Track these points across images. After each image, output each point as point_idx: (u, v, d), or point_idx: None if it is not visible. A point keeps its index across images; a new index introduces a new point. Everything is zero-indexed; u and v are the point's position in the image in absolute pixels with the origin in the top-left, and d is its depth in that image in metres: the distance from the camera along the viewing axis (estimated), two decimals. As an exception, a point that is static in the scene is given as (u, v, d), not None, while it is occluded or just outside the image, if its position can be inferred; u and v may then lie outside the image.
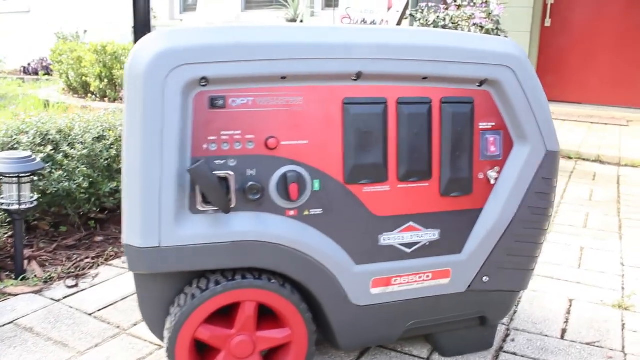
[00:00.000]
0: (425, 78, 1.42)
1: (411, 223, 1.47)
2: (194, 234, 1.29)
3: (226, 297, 1.35)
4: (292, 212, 1.36)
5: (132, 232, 1.27)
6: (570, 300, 2.16)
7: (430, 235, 1.49)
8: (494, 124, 1.51)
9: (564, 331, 1.94)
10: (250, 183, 1.30)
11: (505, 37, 4.35)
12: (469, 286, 1.57)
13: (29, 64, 8.47)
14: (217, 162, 1.30)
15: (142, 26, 1.84)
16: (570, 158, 4.47)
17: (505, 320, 2.00)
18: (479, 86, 1.48)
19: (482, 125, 1.50)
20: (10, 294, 2.04)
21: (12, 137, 2.39)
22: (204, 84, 1.27)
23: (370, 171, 1.40)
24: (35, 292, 2.07)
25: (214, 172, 1.29)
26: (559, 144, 1.60)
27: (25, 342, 1.75)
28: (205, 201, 1.28)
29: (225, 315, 1.41)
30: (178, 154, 1.25)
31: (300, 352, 1.44)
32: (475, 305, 1.61)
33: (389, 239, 1.45)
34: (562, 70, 6.33)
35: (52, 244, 2.46)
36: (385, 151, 1.41)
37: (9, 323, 1.85)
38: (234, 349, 1.39)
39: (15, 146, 2.35)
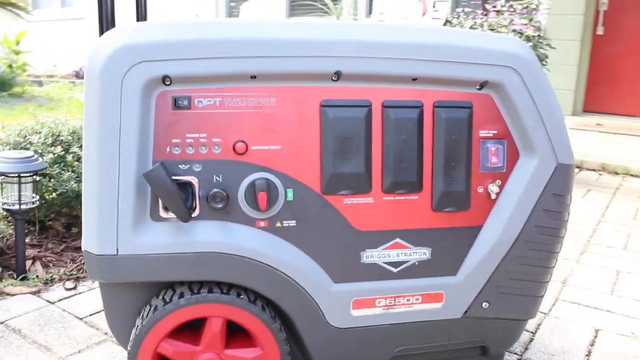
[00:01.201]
0: (415, 79, 1.28)
1: (398, 240, 1.33)
2: (154, 243, 1.20)
3: (190, 311, 1.26)
4: (262, 223, 1.26)
5: (89, 238, 1.20)
6: (597, 331, 1.94)
7: (420, 254, 1.35)
8: (496, 132, 1.35)
9: (584, 366, 1.73)
10: (214, 190, 1.20)
11: (549, 45, 4.10)
12: (466, 312, 1.41)
13: (80, 68, 8.81)
14: (181, 166, 1.21)
15: (107, 22, 1.80)
16: (617, 174, 4.13)
17: (518, 349, 1.81)
18: (479, 89, 1.33)
19: (483, 133, 1.35)
20: (8, 294, 2.03)
21: (25, 137, 2.41)
22: (167, 82, 1.19)
23: (351, 181, 1.27)
24: (33, 293, 2.05)
25: (178, 177, 1.20)
26: (574, 156, 1.41)
27: (10, 344, 1.72)
28: (167, 208, 1.20)
29: (197, 331, 1.32)
30: (137, 157, 1.17)
31: (272, 375, 1.33)
32: (474, 334, 1.45)
33: (372, 256, 1.32)
34: (614, 81, 5.92)
35: (60, 244, 2.46)
36: (368, 159, 1.28)
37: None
38: (199, 368, 1.30)
39: (27, 146, 2.37)
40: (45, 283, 2.13)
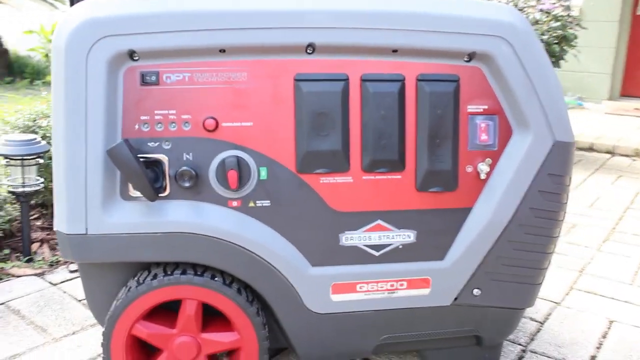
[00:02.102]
0: (395, 51, 1.21)
1: (379, 221, 1.26)
2: (124, 222, 1.18)
3: (163, 293, 1.23)
4: (235, 203, 1.21)
5: (59, 217, 1.18)
6: (611, 322, 1.82)
7: (404, 236, 1.28)
8: (486, 107, 1.26)
9: (593, 358, 1.62)
10: (182, 168, 1.17)
11: (579, 25, 3.89)
12: (456, 299, 1.33)
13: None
14: (150, 144, 1.18)
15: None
16: (652, 159, 3.91)
17: (523, 339, 1.72)
18: (467, 61, 1.24)
19: (472, 108, 1.26)
20: (13, 275, 2.07)
21: (34, 120, 2.44)
22: (136, 58, 1.15)
23: (327, 159, 1.21)
24: (38, 275, 2.08)
25: (147, 155, 1.17)
26: (573, 134, 1.31)
27: (8, 325, 1.75)
28: (137, 187, 1.17)
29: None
30: (104, 135, 1.15)
31: (250, 359, 1.29)
32: (466, 322, 1.37)
33: (352, 238, 1.26)
34: (656, 62, 5.61)
35: (70, 228, 2.49)
36: (345, 136, 1.21)
37: (0, 304, 1.87)
38: (176, 350, 1.27)
39: (36, 130, 2.40)
40: (51, 265, 2.16)
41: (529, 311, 1.90)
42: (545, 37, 4.17)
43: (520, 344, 1.70)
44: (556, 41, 4.27)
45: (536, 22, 4.26)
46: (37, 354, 1.59)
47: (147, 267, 1.29)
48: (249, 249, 1.21)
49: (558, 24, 4.23)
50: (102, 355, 1.27)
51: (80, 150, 1.14)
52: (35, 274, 2.09)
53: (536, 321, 1.84)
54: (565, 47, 4.36)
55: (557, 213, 1.31)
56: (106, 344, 1.25)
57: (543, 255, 1.34)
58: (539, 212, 1.29)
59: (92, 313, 1.36)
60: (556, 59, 4.36)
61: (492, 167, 1.28)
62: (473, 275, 1.32)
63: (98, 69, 1.12)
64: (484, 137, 1.27)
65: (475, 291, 1.33)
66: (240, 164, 1.18)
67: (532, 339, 1.73)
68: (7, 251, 2.20)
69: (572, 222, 2.86)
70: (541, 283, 1.38)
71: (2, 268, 2.09)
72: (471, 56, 1.23)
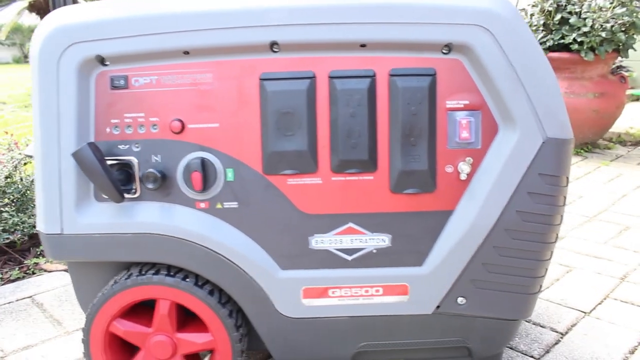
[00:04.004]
0: (363, 45, 1.15)
1: (351, 224, 1.21)
2: (96, 223, 1.21)
3: (137, 292, 1.26)
4: (202, 205, 1.21)
5: (39, 217, 1.24)
6: (641, 338, 1.65)
7: (378, 240, 1.22)
8: (467, 102, 1.18)
9: (611, 378, 1.47)
10: (147, 171, 1.18)
11: (637, 6, 3.56)
12: (438, 307, 1.25)
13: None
14: (120, 146, 1.20)
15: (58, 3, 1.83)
16: None
17: (537, 351, 1.59)
18: (445, 54, 1.16)
19: (451, 103, 1.18)
20: (45, 270, 2.21)
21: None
22: (106, 63, 1.18)
23: (294, 160, 1.18)
24: (67, 271, 2.20)
25: (118, 158, 1.19)
26: (571, 129, 1.19)
27: (29, 317, 1.86)
28: (108, 188, 1.20)
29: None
30: (77, 138, 1.18)
31: (225, 361, 1.29)
32: (451, 332, 1.28)
33: (322, 242, 1.22)
34: None
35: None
36: (312, 136, 1.17)
37: (27, 297, 1.99)
38: (152, 349, 1.29)
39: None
40: (81, 261, 2.28)
41: (550, 320, 1.76)
42: (609, 24, 3.86)
43: (532, 356, 1.57)
44: (622, 29, 3.94)
45: (600, 9, 3.96)
46: (48, 346, 1.68)
47: (129, 266, 1.32)
48: (216, 251, 1.21)
49: (624, 10, 3.90)
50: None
51: (54, 153, 1.18)
52: (65, 270, 2.21)
53: (556, 332, 1.70)
54: (634, 35, 4.01)
55: (551, 217, 1.20)
56: (86, 340, 1.29)
57: (537, 263, 1.23)
58: (529, 216, 1.19)
59: (82, 309, 1.41)
60: (623, 47, 4.02)
61: (475, 166, 1.19)
62: (456, 283, 1.23)
63: (68, 75, 1.16)
64: (464, 134, 1.18)
65: (460, 300, 1.25)
66: (205, 166, 1.18)
67: (547, 352, 1.59)
68: (42, 247, 2.34)
69: (625, 223, 2.62)
70: (537, 292, 1.27)
71: (36, 263, 2.23)
72: (449, 48, 1.15)
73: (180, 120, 1.18)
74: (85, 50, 1.15)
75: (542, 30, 4.23)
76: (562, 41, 4.08)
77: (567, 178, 1.20)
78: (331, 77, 1.16)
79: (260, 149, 1.18)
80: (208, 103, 1.18)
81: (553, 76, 1.17)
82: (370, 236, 1.21)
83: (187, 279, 1.25)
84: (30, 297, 2.00)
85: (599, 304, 1.86)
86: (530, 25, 4.31)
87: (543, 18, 4.20)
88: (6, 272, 2.17)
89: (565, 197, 1.21)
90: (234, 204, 1.20)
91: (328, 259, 1.22)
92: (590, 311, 1.82)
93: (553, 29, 4.16)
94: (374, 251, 1.22)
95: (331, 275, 1.23)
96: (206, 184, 1.18)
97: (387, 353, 1.33)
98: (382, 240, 1.22)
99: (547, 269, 1.26)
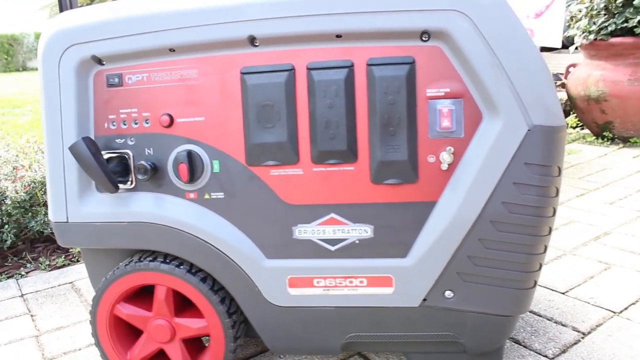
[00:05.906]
0: (339, 36, 1.15)
1: (333, 215, 1.22)
2: (96, 212, 1.30)
3: (136, 278, 1.33)
4: (192, 195, 1.26)
5: (50, 206, 1.34)
6: (670, 341, 1.52)
7: (361, 231, 1.21)
8: (448, 90, 1.14)
9: (628, 382, 1.38)
10: (138, 163, 1.25)
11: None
12: (425, 300, 1.23)
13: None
14: (117, 140, 1.28)
15: (65, 6, 1.92)
16: None
17: (551, 351, 1.52)
18: (425, 41, 1.14)
19: (431, 92, 1.15)
20: (88, 258, 2.37)
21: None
22: (103, 62, 1.26)
23: (275, 151, 1.20)
24: (108, 259, 2.36)
25: (114, 151, 1.27)
26: (562, 116, 1.12)
27: (66, 300, 2.01)
28: (107, 180, 1.28)
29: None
30: (77, 133, 1.27)
31: (218, 346, 1.33)
32: (441, 326, 1.26)
33: (305, 232, 1.23)
34: None
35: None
36: (292, 128, 1.19)
37: (68, 283, 2.16)
38: (152, 332, 1.36)
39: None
40: (121, 250, 2.43)
41: (573, 319, 1.66)
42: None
43: (545, 356, 1.50)
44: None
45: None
46: (78, 327, 1.81)
47: (133, 253, 1.41)
48: (205, 240, 1.26)
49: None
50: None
51: (58, 148, 1.28)
52: (106, 258, 2.36)
53: (578, 331, 1.61)
54: None
55: (541, 208, 1.14)
56: (93, 321, 1.39)
57: (528, 257, 1.17)
58: (516, 207, 1.14)
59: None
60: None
61: (458, 156, 1.16)
62: (442, 276, 1.20)
63: (68, 75, 1.25)
64: (445, 123, 1.15)
65: (447, 293, 1.22)
66: (192, 158, 1.23)
67: (563, 351, 1.51)
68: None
69: (682, 220, 2.42)
70: (532, 287, 1.21)
71: (80, 252, 2.40)
72: (428, 35, 1.13)
73: (169, 115, 1.24)
74: (82, 51, 1.24)
75: (604, 14, 3.96)
76: (625, 25, 3.80)
77: (559, 168, 1.14)
78: (309, 69, 1.17)
79: (243, 141, 1.22)
80: (194, 98, 1.23)
81: (541, 63, 1.11)
82: (353, 227, 1.21)
83: (182, 267, 1.31)
84: (71, 282, 2.16)
85: (633, 304, 1.74)
86: (590, 10, 4.05)
87: (604, 1, 3.93)
88: (54, 259, 2.36)
89: (557, 188, 1.15)
90: (220, 195, 1.25)
91: (312, 249, 1.24)
92: (621, 311, 1.70)
93: (615, 12, 3.88)
94: (357, 242, 1.22)
95: (315, 265, 1.24)
96: (193, 176, 1.23)
97: (379, 345, 1.32)
98: (364, 231, 1.21)
99: (541, 263, 1.20)
